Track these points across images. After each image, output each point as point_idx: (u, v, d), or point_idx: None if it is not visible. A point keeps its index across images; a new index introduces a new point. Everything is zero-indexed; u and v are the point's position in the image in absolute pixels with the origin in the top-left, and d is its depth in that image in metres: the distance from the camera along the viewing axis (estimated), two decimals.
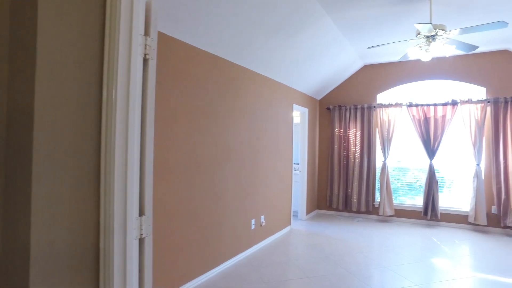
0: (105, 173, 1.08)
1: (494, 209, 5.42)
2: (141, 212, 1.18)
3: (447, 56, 5.58)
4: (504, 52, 5.40)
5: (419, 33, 3.40)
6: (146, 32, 1.18)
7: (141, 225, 1.17)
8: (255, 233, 4.44)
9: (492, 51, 5.46)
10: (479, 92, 5.61)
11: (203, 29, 3.09)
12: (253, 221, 4.37)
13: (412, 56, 3.66)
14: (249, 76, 4.25)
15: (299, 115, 6.33)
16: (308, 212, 6.35)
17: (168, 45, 2.92)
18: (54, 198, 0.96)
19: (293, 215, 6.39)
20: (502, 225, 5.30)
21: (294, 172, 6.52)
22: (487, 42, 5.02)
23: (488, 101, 5.41)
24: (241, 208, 4.10)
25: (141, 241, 1.17)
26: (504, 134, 5.31)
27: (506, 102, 5.31)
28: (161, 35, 2.83)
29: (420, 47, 3.53)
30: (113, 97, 1.08)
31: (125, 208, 1.09)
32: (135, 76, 1.12)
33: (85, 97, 1.04)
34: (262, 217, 4.62)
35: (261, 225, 4.59)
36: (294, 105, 5.66)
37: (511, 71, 5.37)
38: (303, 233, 5.30)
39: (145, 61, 1.18)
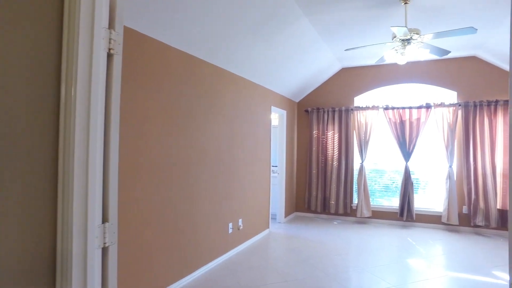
0: (63, 178, 0.99)
1: (465, 209, 5.58)
2: (105, 219, 1.09)
3: (422, 60, 5.73)
4: (473, 58, 5.59)
5: (395, 37, 3.45)
6: (111, 26, 1.10)
7: (104, 233, 1.08)
8: (232, 237, 4.37)
9: (462, 57, 5.65)
10: (451, 96, 5.78)
11: (178, 27, 3.00)
12: (230, 225, 4.29)
13: (388, 59, 3.71)
14: (226, 77, 4.19)
15: (277, 117, 6.31)
16: (286, 214, 6.33)
17: (141, 43, 2.82)
18: (1, 206, 0.86)
19: (271, 218, 6.36)
20: (472, 224, 5.47)
21: (272, 174, 6.50)
22: (457, 48, 5.18)
23: (459, 105, 5.58)
24: (218, 211, 4.02)
25: (104, 251, 1.09)
26: (474, 137, 5.49)
27: (475, 106, 5.49)
28: (133, 33, 2.73)
29: (396, 50, 3.58)
30: (73, 95, 0.99)
31: (85, 215, 1.00)
32: (97, 72, 1.04)
33: (39, 96, 0.95)
34: (240, 220, 4.55)
35: (238, 229, 4.52)
36: (272, 107, 5.64)
37: (479, 76, 5.57)
38: (281, 236, 5.27)
39: (110, 56, 1.10)
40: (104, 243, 1.08)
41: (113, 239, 1.11)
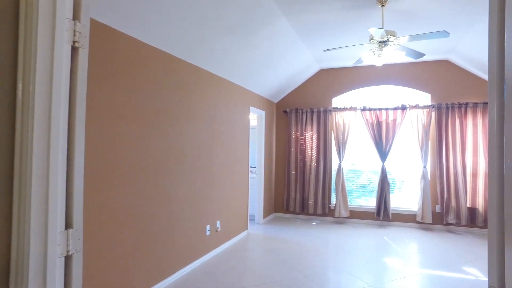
0: (20, 182, 0.90)
1: (438, 208, 5.74)
2: (69, 225, 1.01)
3: (398, 62, 5.85)
4: (445, 61, 5.77)
5: (372, 38, 3.49)
6: (76, 17, 1.02)
7: (68, 240, 1.00)
8: (210, 239, 4.29)
9: (435, 60, 5.81)
10: (426, 98, 5.94)
11: (154, 24, 2.91)
12: (208, 227, 4.22)
13: (366, 60, 3.75)
14: (205, 77, 4.11)
15: (256, 118, 6.28)
16: (265, 215, 6.31)
17: (114, 39, 2.71)
18: None
19: (250, 219, 6.32)
20: (444, 222, 5.63)
21: (251, 175, 6.46)
22: (430, 52, 5.33)
23: (433, 107, 5.73)
24: (195, 213, 3.94)
25: (67, 259, 1.01)
26: (446, 138, 5.66)
27: (447, 108, 5.66)
28: (106, 28, 2.62)
29: (374, 52, 3.62)
30: (31, 91, 0.91)
31: (45, 220, 0.92)
32: (60, 66, 0.96)
33: None
34: (218, 222, 4.48)
35: (216, 231, 4.45)
36: (251, 108, 5.60)
37: (451, 79, 5.75)
38: (260, 237, 5.23)
39: (74, 49, 1.02)
40: (68, 251, 1.00)
41: (77, 246, 1.03)
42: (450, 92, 5.76)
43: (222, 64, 4.22)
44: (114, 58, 2.71)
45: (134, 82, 2.93)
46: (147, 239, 3.10)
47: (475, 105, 5.53)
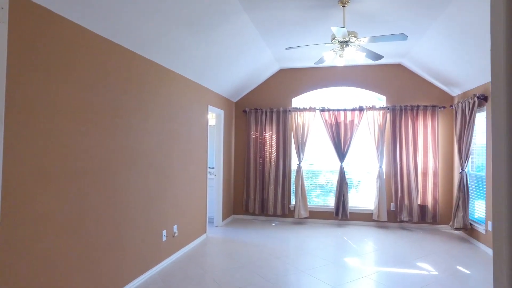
0: None
1: (392, 206, 5.95)
2: None
3: (356, 64, 5.97)
4: (399, 65, 6.00)
5: (334, 38, 3.47)
6: None
7: None
8: (167, 245, 4.03)
9: (390, 64, 6.02)
10: (381, 100, 6.12)
11: (104, 12, 2.62)
12: (164, 232, 3.96)
13: (327, 60, 3.72)
14: (159, 72, 3.85)
15: (214, 117, 6.09)
16: (224, 217, 6.13)
17: (54, 24, 2.39)
18: None
19: (208, 222, 6.11)
20: (398, 220, 5.85)
21: (209, 176, 6.26)
22: (386, 55, 5.49)
23: (388, 108, 5.93)
24: (150, 218, 3.67)
25: None
26: (400, 139, 5.88)
27: (401, 109, 5.88)
28: (44, 11, 2.29)
29: (335, 51, 3.61)
30: None
31: None
32: None
33: None
34: (175, 226, 4.24)
35: (173, 236, 4.20)
36: (210, 106, 5.40)
37: (404, 83, 5.99)
38: (219, 240, 5.05)
39: None
40: None
41: None
42: (403, 94, 5.99)
43: (179, 59, 3.98)
44: (54, 47, 2.39)
45: (77, 74, 2.62)
46: (93, 248, 2.80)
47: (425, 107, 5.80)
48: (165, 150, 3.99)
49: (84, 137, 2.67)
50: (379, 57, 3.85)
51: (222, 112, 5.94)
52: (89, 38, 2.72)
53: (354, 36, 3.43)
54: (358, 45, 3.57)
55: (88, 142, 2.71)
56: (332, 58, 3.69)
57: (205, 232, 5.27)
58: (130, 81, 3.28)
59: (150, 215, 3.66)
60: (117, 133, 3.08)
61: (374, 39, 3.38)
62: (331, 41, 3.52)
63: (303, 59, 5.75)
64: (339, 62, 3.68)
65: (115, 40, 3.02)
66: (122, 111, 3.16)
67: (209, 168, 6.60)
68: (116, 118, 3.07)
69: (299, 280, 3.56)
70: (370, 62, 5.88)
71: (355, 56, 3.59)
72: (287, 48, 3.65)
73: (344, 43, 3.48)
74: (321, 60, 3.95)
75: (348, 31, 3.36)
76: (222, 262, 4.07)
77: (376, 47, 5.04)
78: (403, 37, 3.27)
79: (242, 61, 5.06)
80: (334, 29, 3.06)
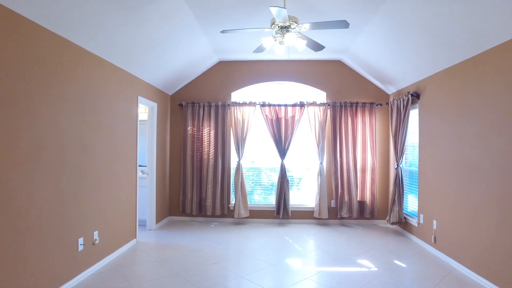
0: None
1: (333, 203, 5.92)
2: None
3: (300, 57, 5.83)
4: (339, 62, 6.00)
5: (274, 23, 3.21)
6: None
7: None
8: (85, 254, 3.45)
9: (330, 60, 5.99)
10: (322, 95, 6.07)
11: None
12: (81, 240, 3.37)
13: (267, 46, 3.45)
14: (75, 53, 3.26)
15: (147, 111, 5.53)
16: (158, 220, 5.60)
17: None
18: None
19: (140, 225, 5.53)
20: (338, 216, 5.83)
21: (141, 175, 5.68)
22: (326, 51, 5.42)
23: (328, 105, 5.89)
24: (61, 225, 3.07)
25: None
26: (340, 135, 5.88)
27: (341, 106, 5.88)
28: None
29: (275, 38, 3.35)
30: None
31: None
32: None
33: None
34: (96, 233, 3.66)
35: (94, 244, 3.62)
36: (140, 98, 4.85)
37: (344, 79, 6.00)
38: (151, 246, 4.54)
39: None
40: None
41: None
42: (343, 91, 6.00)
43: (99, 39, 3.42)
44: None
45: None
46: None
47: (364, 104, 5.86)
48: (84, 145, 3.41)
49: None
50: (321, 47, 3.68)
51: (155, 105, 5.41)
52: None
53: (295, 22, 3.20)
54: (299, 32, 3.36)
55: None
56: (272, 44, 3.44)
57: (135, 237, 4.72)
58: (35, 60, 2.68)
59: (62, 221, 3.07)
60: (17, 122, 2.47)
61: (315, 25, 3.18)
62: (271, 26, 3.26)
63: (242, 50, 5.45)
64: (279, 50, 3.43)
65: (9, 6, 2.41)
66: (24, 96, 2.55)
67: (141, 166, 6.01)
68: (17, 105, 2.46)
69: (237, 287, 3.24)
70: (311, 57, 5.78)
71: (296, 43, 3.37)
72: (222, 31, 3.30)
73: (285, 29, 3.24)
74: (260, 48, 3.68)
75: (288, 16, 3.12)
76: (152, 271, 3.60)
77: (317, 39, 4.92)
78: (345, 24, 3.11)
79: (176, 48, 4.60)
80: (273, 10, 2.78)
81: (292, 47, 5.04)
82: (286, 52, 5.20)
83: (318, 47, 3.70)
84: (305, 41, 3.44)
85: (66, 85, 3.12)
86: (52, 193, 2.93)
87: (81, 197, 3.38)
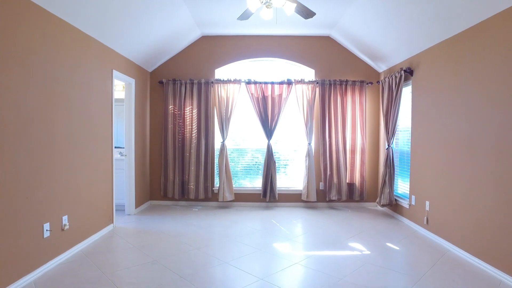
0: None
1: (321, 185, 5.71)
2: None
3: (284, 33, 5.49)
4: (328, 38, 5.69)
5: None
6: None
7: None
8: (52, 241, 3.12)
9: (319, 36, 5.68)
10: (310, 73, 5.78)
11: None
12: (46, 226, 3.04)
13: (253, 9, 3.10)
14: (38, 16, 2.85)
15: (124, 88, 5.12)
16: (138, 204, 5.28)
17: None
18: None
19: (118, 210, 5.22)
20: (327, 199, 5.63)
21: (119, 157, 5.32)
22: (314, 25, 5.11)
23: (317, 82, 5.61)
24: (23, 208, 2.73)
25: None
26: (329, 114, 5.62)
27: (330, 84, 5.61)
28: None
29: (261, 1, 3.02)
30: None
31: None
32: None
33: None
34: (65, 217, 3.32)
35: (63, 229, 3.29)
36: (115, 72, 4.45)
37: (333, 56, 5.72)
38: (130, 232, 4.23)
39: None
40: None
41: None
42: (332, 68, 5.73)
43: (67, 2, 3.01)
44: None
45: None
46: None
47: (354, 83, 5.61)
48: (47, 119, 3.03)
49: None
50: (311, 13, 3.37)
51: (133, 81, 5.01)
52: None
53: None
54: None
55: None
56: (258, 7, 3.10)
57: (112, 222, 4.40)
58: None
59: (23, 203, 2.72)
60: None
61: None
62: None
63: (227, 24, 5.08)
64: (266, 14, 3.11)
65: None
66: None
67: (119, 148, 5.64)
68: None
69: (222, 274, 2.99)
70: (299, 32, 5.45)
71: (284, 6, 3.04)
72: None
73: None
74: (246, 13, 3.34)
75: None
76: (128, 259, 3.31)
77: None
78: None
79: (154, 17, 4.20)
80: None
81: (281, 19, 4.70)
82: (274, 19, 4.83)
83: (308, 13, 3.38)
84: (294, 4, 3.12)
85: (27, 52, 2.72)
86: (12, 173, 2.57)
87: (44, 177, 3.02)
